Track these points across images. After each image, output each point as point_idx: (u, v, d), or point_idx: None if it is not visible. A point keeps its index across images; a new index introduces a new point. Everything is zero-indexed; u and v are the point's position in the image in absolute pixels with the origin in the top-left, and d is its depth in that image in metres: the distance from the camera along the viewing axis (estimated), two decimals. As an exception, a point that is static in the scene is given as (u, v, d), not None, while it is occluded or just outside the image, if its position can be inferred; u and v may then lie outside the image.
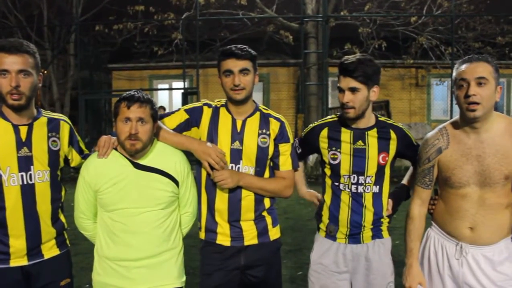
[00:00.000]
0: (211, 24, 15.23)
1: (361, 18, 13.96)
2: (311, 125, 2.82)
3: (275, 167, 2.68)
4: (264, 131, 2.62)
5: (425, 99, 16.48)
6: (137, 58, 16.15)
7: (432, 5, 13.74)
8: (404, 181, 2.85)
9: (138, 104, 2.33)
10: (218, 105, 2.68)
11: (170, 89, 15.83)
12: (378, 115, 2.74)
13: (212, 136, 2.60)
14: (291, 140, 2.69)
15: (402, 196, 2.80)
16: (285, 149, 2.66)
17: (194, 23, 13.10)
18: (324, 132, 2.70)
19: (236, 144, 2.59)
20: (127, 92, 2.39)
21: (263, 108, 2.71)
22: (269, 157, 2.64)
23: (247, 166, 2.60)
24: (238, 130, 2.61)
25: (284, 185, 2.67)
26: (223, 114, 2.64)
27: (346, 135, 2.64)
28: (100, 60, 17.17)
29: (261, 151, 2.61)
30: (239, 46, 2.58)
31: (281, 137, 2.65)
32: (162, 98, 16.82)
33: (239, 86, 2.52)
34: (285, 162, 2.67)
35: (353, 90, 2.51)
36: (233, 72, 2.53)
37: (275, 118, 2.69)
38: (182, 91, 13.05)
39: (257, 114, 2.66)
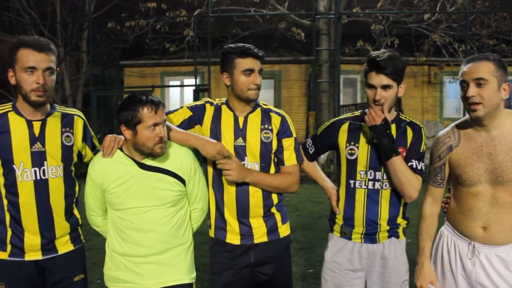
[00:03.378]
0: (223, 21, 15.22)
1: (373, 15, 13.85)
2: (331, 120, 2.82)
3: (280, 162, 2.67)
4: (266, 126, 2.63)
5: (438, 97, 16.36)
6: (149, 55, 16.19)
7: (445, 2, 13.60)
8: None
9: (162, 108, 2.33)
10: (219, 103, 2.69)
11: (182, 86, 15.86)
12: (400, 113, 2.72)
13: (216, 133, 2.61)
14: (294, 134, 2.69)
15: (386, 142, 2.53)
16: (289, 143, 2.66)
17: (206, 20, 13.10)
18: (345, 126, 2.70)
19: (240, 141, 2.60)
20: (138, 97, 2.31)
21: (263, 104, 2.72)
22: (273, 152, 2.64)
23: (252, 162, 2.60)
24: (241, 126, 2.62)
25: (291, 181, 2.67)
26: (225, 112, 2.65)
27: (365, 129, 2.63)
28: (112, 57, 17.26)
29: (265, 147, 2.61)
30: (251, 46, 2.59)
31: (283, 132, 2.65)
32: (173, 95, 16.86)
33: (259, 86, 2.57)
34: (289, 156, 2.66)
35: (385, 87, 2.50)
36: (255, 71, 2.55)
37: (276, 113, 2.69)
38: (194, 88, 13.08)
39: (258, 110, 2.67)
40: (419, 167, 2.58)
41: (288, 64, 16.36)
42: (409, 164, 2.55)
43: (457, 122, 2.52)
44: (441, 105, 16.40)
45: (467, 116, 2.46)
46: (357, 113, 2.76)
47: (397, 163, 2.50)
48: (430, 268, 2.54)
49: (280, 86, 16.53)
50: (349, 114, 2.79)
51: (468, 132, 2.42)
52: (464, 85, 2.33)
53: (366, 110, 2.70)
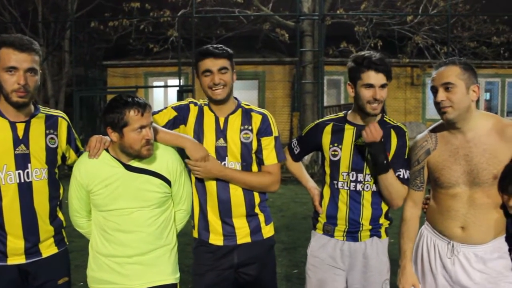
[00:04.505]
0: (207, 22, 15.18)
1: (357, 17, 13.94)
2: (316, 121, 2.84)
3: (260, 162, 2.68)
4: (246, 126, 2.64)
5: (420, 98, 16.52)
6: (133, 55, 16.06)
7: (428, 5, 13.74)
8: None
9: (148, 110, 2.31)
10: (203, 104, 2.71)
11: (166, 86, 15.79)
12: (384, 115, 2.74)
13: (199, 134, 2.62)
14: (275, 133, 2.69)
15: (380, 158, 2.53)
16: (267, 142, 2.66)
17: (190, 20, 13.06)
18: (329, 128, 2.72)
19: (221, 142, 2.61)
20: (124, 99, 2.30)
21: (245, 104, 2.73)
22: (254, 151, 2.65)
23: (233, 162, 2.61)
24: (221, 127, 2.63)
25: (270, 179, 2.66)
26: (207, 113, 2.67)
27: (349, 131, 2.66)
28: (95, 57, 17.09)
29: (245, 147, 2.62)
30: (215, 45, 2.60)
31: (263, 131, 2.65)
32: (157, 96, 16.77)
33: (219, 84, 2.54)
34: (268, 155, 2.66)
35: (383, 86, 2.53)
36: (212, 71, 2.55)
37: (258, 112, 2.69)
38: (178, 88, 13.02)
39: (239, 110, 2.68)
40: (406, 177, 2.61)
41: (272, 65, 16.38)
42: (397, 173, 2.58)
43: (433, 125, 2.56)
44: (424, 106, 16.57)
45: None
46: (341, 114, 2.78)
47: (389, 178, 2.53)
48: (412, 271, 2.58)
49: (264, 87, 16.54)
50: (332, 116, 2.81)
51: (445, 135, 2.46)
52: (434, 91, 2.38)
53: (349, 111, 2.72)
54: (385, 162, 2.51)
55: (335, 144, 2.67)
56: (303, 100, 13.54)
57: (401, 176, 2.59)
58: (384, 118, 2.71)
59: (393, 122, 2.72)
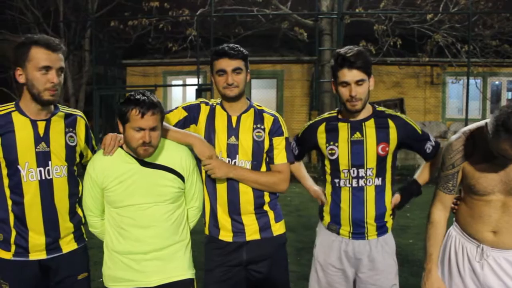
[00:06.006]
0: (226, 21, 15.21)
1: (376, 15, 13.82)
2: (308, 123, 2.84)
3: (270, 161, 2.69)
4: (258, 125, 2.66)
5: (440, 98, 16.30)
6: (152, 54, 16.17)
7: (448, 2, 13.56)
8: (416, 176, 2.80)
9: (151, 112, 2.30)
10: (214, 104, 2.73)
11: (184, 85, 15.86)
12: (376, 106, 2.71)
13: (210, 133, 2.65)
14: (285, 134, 2.70)
15: (413, 191, 2.74)
16: (278, 142, 2.68)
17: (208, 19, 13.11)
18: (322, 128, 2.72)
19: (232, 139, 2.64)
20: (135, 96, 2.33)
21: (257, 105, 2.75)
22: (265, 151, 2.66)
23: (244, 160, 2.63)
24: (234, 125, 2.65)
25: (279, 178, 2.67)
26: (219, 112, 2.69)
27: (343, 128, 2.65)
28: (115, 56, 17.23)
29: (257, 145, 2.64)
30: (231, 45, 2.62)
31: (274, 131, 2.67)
32: (175, 94, 16.87)
33: (232, 85, 2.57)
34: (278, 155, 2.68)
35: (359, 82, 2.51)
36: (226, 71, 2.57)
37: (269, 113, 2.72)
38: (196, 87, 13.08)
39: (251, 110, 2.70)
40: (434, 140, 2.71)
41: (290, 64, 16.33)
42: (427, 147, 2.68)
43: (471, 128, 2.42)
44: (444, 105, 16.34)
45: (480, 123, 2.38)
46: (334, 112, 2.78)
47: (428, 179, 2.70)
48: (437, 275, 2.51)
49: (283, 85, 16.50)
50: (325, 114, 2.81)
51: (482, 141, 2.33)
52: None
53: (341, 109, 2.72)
54: (418, 190, 2.71)
55: (331, 143, 2.67)
56: (322, 99, 13.48)
57: (430, 150, 2.70)
58: (377, 109, 2.69)
59: (387, 110, 2.70)
